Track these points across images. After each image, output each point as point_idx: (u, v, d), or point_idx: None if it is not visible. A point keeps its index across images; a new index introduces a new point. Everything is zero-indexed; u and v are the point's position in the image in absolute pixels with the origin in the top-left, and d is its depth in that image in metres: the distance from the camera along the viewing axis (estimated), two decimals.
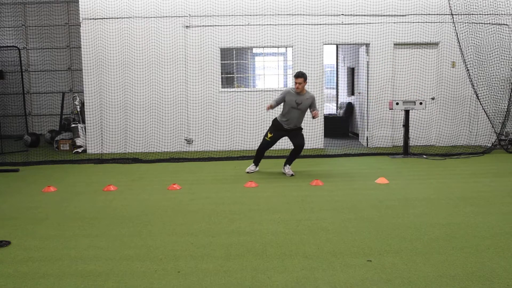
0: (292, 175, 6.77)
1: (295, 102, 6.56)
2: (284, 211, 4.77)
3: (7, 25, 12.61)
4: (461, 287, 2.89)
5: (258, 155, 7.09)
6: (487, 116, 9.32)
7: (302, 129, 6.90)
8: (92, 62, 9.54)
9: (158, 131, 9.70)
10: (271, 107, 6.59)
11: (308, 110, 6.73)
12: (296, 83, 6.51)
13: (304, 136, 6.96)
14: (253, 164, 7.17)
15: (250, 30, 9.53)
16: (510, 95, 9.42)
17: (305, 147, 9.66)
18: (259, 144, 7.26)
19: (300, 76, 6.47)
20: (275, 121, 6.88)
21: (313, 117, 6.53)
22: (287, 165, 6.90)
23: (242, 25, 9.52)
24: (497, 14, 9.46)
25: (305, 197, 5.36)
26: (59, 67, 12.75)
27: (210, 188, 6.01)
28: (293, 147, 6.86)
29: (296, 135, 6.80)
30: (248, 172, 7.06)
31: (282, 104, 6.75)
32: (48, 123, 12.64)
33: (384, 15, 9.55)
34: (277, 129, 6.83)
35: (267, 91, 9.75)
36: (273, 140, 6.91)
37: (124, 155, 9.25)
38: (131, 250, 3.67)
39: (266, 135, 6.91)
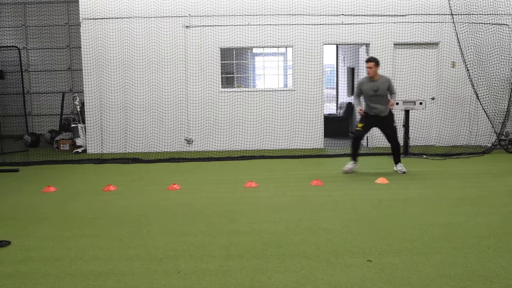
0: (404, 172, 6.73)
1: (372, 90, 6.56)
2: (284, 211, 4.77)
3: (7, 25, 12.60)
4: (461, 287, 2.89)
5: (354, 148, 6.83)
6: (487, 116, 9.32)
7: (393, 116, 6.79)
8: (92, 62, 9.54)
9: (158, 131, 9.70)
10: (360, 108, 6.66)
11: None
12: (367, 68, 6.50)
13: (396, 128, 6.87)
14: (352, 161, 6.88)
15: (250, 30, 9.53)
16: (510, 95, 9.41)
17: (305, 147, 9.73)
18: (352, 139, 7.00)
19: (371, 60, 6.48)
20: (365, 112, 6.80)
21: (391, 106, 6.56)
22: (399, 163, 6.89)
23: (242, 25, 9.52)
24: (497, 14, 9.46)
25: (305, 197, 5.36)
26: (59, 67, 12.75)
27: (210, 188, 6.01)
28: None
29: (387, 126, 6.76)
30: (346, 172, 6.81)
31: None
32: (48, 123, 12.63)
33: (384, 15, 9.55)
34: (367, 118, 6.75)
35: (267, 91, 9.75)
36: (365, 130, 6.84)
37: (124, 155, 9.25)
38: (131, 250, 3.67)
39: (356, 126, 6.89)
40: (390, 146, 6.94)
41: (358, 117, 11.21)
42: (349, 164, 6.91)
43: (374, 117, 6.74)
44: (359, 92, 6.82)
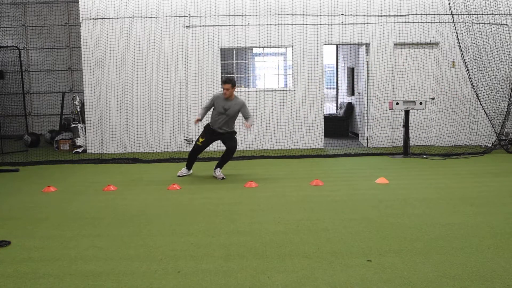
0: (223, 178, 6.58)
1: (223, 108, 6.51)
2: (284, 211, 4.77)
3: (7, 25, 12.61)
4: (461, 287, 2.89)
5: (190, 159, 6.88)
6: (487, 116, 9.32)
7: (235, 133, 6.78)
8: (92, 62, 9.54)
9: (158, 131, 9.70)
10: (199, 120, 6.55)
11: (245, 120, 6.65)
12: (224, 89, 6.44)
13: (237, 140, 6.83)
14: (185, 168, 6.94)
15: (250, 30, 9.53)
16: (510, 95, 9.42)
17: (305, 147, 9.73)
18: (191, 149, 6.97)
19: (228, 81, 6.41)
20: (207, 126, 6.76)
21: (246, 128, 6.57)
22: (218, 168, 6.75)
23: (242, 25, 9.52)
24: (497, 14, 9.46)
25: (305, 197, 5.36)
26: (59, 67, 12.75)
27: (210, 188, 6.01)
28: (225, 150, 6.74)
29: (229, 139, 6.70)
30: (179, 176, 6.84)
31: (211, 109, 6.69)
32: (48, 123, 12.64)
33: (384, 15, 9.55)
34: (209, 133, 6.70)
35: (267, 91, 9.75)
36: (205, 144, 6.75)
37: (124, 155, 9.25)
38: (131, 250, 3.67)
39: (197, 139, 6.78)
40: (225, 150, 6.75)
41: (358, 117, 11.29)
42: (183, 170, 6.91)
43: (219, 133, 6.67)
44: (209, 105, 6.68)
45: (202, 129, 6.87)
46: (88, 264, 3.37)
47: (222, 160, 6.78)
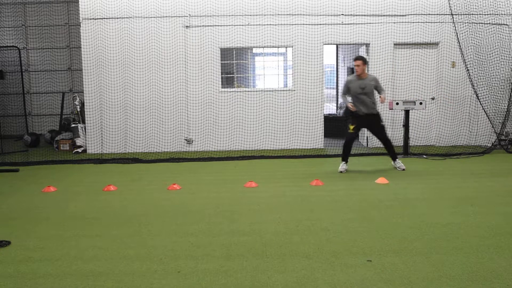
0: (403, 169, 6.92)
1: (359, 88, 6.67)
2: (284, 211, 4.77)
3: (7, 25, 12.60)
4: (461, 287, 2.89)
5: (346, 151, 6.95)
6: (487, 116, 9.32)
7: (379, 115, 6.92)
8: (92, 62, 9.54)
9: (158, 131, 9.70)
10: (350, 104, 6.74)
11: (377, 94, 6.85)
12: (355, 65, 6.64)
13: (385, 126, 7.05)
14: (343, 162, 6.98)
15: (250, 30, 9.53)
16: (510, 95, 9.41)
17: (305, 147, 9.72)
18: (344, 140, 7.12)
19: (359, 58, 6.64)
20: (354, 113, 6.92)
21: (381, 102, 6.71)
22: (393, 161, 7.05)
23: (242, 25, 9.52)
24: (497, 14, 9.46)
25: (305, 197, 5.36)
26: (59, 67, 12.74)
27: (210, 188, 6.01)
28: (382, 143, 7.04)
29: (375, 127, 6.92)
30: (341, 172, 6.88)
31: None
32: (48, 123, 12.63)
33: (384, 15, 9.55)
34: (356, 118, 6.87)
35: (267, 91, 9.75)
36: (357, 131, 7.00)
37: (124, 155, 9.25)
38: (131, 250, 3.67)
39: (348, 128, 6.98)
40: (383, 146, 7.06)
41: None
42: (342, 165, 6.99)
43: (363, 117, 6.83)
44: (346, 91, 6.93)
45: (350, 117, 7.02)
46: (88, 264, 3.37)
47: (388, 152, 7.05)
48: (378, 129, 6.96)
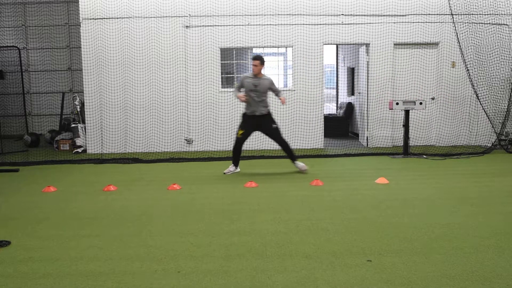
0: (305, 169, 6.90)
1: (252, 85, 6.72)
2: (284, 211, 4.77)
3: (7, 25, 12.60)
4: (461, 287, 2.89)
5: (235, 155, 7.03)
6: (487, 116, 9.32)
7: (270, 115, 6.89)
8: (92, 62, 9.54)
9: (158, 131, 9.70)
10: (240, 95, 6.72)
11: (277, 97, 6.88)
12: (252, 65, 6.73)
13: (279, 128, 6.96)
14: (232, 165, 7.09)
15: (250, 30, 9.53)
16: (510, 95, 9.42)
17: (305, 147, 9.72)
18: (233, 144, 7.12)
19: (257, 58, 6.71)
20: (243, 115, 6.97)
21: (282, 103, 6.74)
22: (293, 162, 7.01)
23: (242, 25, 9.52)
24: (497, 14, 9.46)
25: (305, 197, 5.36)
26: (59, 67, 12.75)
27: (210, 188, 6.01)
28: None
29: (269, 131, 6.88)
30: (225, 173, 6.97)
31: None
32: (48, 123, 12.63)
33: (384, 15, 9.55)
34: (246, 123, 6.88)
35: None
36: (245, 136, 6.93)
37: (124, 155, 9.25)
38: (131, 250, 3.67)
39: (237, 133, 6.97)
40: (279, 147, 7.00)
41: (358, 117, 11.28)
42: (230, 167, 7.05)
43: (251, 119, 6.83)
44: (239, 86, 6.93)
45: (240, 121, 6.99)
46: (88, 264, 3.37)
47: (287, 154, 7.01)
48: (271, 131, 6.88)
